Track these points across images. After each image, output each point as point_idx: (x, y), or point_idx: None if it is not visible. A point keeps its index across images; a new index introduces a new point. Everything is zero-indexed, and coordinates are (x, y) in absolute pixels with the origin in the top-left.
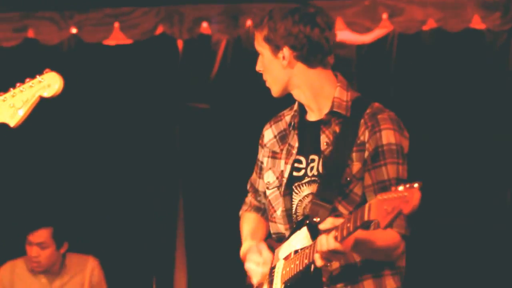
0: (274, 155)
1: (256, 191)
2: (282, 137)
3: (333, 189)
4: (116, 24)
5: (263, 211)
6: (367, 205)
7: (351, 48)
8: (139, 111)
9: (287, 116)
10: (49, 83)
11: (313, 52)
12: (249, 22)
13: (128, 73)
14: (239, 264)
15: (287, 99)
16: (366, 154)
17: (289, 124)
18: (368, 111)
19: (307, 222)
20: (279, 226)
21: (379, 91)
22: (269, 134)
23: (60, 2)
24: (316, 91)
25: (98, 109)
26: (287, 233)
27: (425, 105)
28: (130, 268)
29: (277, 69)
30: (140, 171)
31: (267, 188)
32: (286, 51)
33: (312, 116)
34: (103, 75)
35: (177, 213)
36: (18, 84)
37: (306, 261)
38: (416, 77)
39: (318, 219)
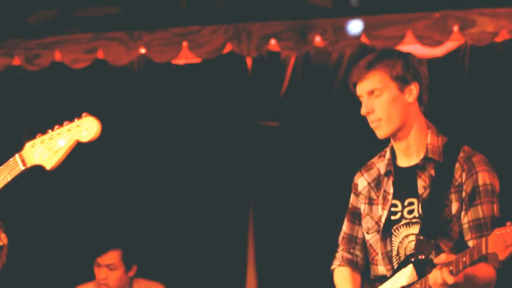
0: (370, 202)
1: (350, 243)
2: (377, 184)
3: (435, 228)
4: (185, 43)
5: (356, 265)
6: (483, 240)
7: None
8: (209, 130)
9: (378, 164)
10: (87, 128)
11: (427, 93)
12: (317, 39)
13: (197, 92)
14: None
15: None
16: (464, 194)
17: (386, 172)
18: (461, 155)
19: (413, 259)
20: (380, 268)
21: (452, 105)
22: (362, 182)
23: (128, 22)
24: (417, 134)
25: (168, 129)
26: (388, 274)
27: (499, 116)
28: None
29: (400, 106)
30: (211, 190)
31: (367, 233)
32: (414, 87)
33: (403, 162)
34: (172, 94)
35: (247, 233)
36: (56, 127)
37: None
38: (490, 90)
39: (424, 257)
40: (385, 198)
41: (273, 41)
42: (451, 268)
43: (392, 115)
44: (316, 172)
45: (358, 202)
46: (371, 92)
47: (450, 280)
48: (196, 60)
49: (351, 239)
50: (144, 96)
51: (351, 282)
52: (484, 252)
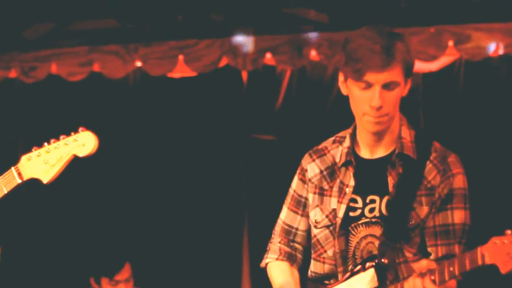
0: (321, 192)
1: (289, 235)
2: (330, 174)
3: (400, 231)
4: (181, 57)
5: (295, 260)
6: (478, 250)
7: (418, 77)
8: (205, 143)
9: (333, 150)
10: (84, 143)
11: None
12: (313, 53)
13: (193, 105)
14: None
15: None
16: (436, 197)
17: (345, 162)
18: (434, 155)
19: (375, 263)
20: (328, 267)
21: (447, 120)
22: (313, 168)
23: (124, 36)
24: (393, 127)
25: (164, 142)
26: (339, 274)
27: (493, 133)
28: None
29: (398, 101)
30: (206, 203)
31: (315, 226)
32: (409, 80)
33: (366, 153)
34: (168, 107)
35: (242, 245)
36: (52, 140)
37: None
38: (484, 105)
39: (387, 261)
40: (341, 191)
41: (268, 55)
42: (433, 277)
43: (396, 111)
44: None
45: (304, 190)
46: (387, 85)
47: None
48: (192, 74)
49: (291, 231)
50: (140, 109)
51: (292, 279)
52: (480, 263)
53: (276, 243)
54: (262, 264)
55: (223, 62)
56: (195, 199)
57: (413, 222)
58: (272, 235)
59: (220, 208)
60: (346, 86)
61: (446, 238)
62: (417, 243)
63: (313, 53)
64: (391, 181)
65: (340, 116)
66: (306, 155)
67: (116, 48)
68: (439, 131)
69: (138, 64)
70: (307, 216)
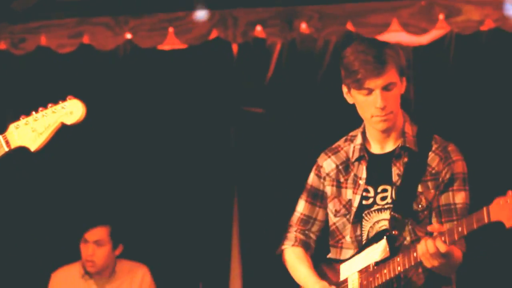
0: (339, 184)
1: (307, 224)
2: (345, 168)
3: (408, 212)
4: (171, 29)
5: (309, 247)
6: (484, 209)
7: (408, 50)
8: (194, 116)
9: (345, 147)
10: (72, 111)
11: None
12: (303, 25)
13: (183, 78)
14: None
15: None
16: (440, 180)
17: (358, 157)
18: (435, 145)
19: (387, 234)
20: (346, 252)
21: (437, 93)
22: (330, 164)
23: (114, 8)
24: (398, 124)
25: (153, 114)
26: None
27: (484, 106)
28: (181, 275)
29: (398, 99)
30: (195, 175)
31: (334, 216)
32: (404, 78)
33: (376, 149)
34: (158, 80)
35: (231, 217)
36: (40, 109)
37: (399, 268)
38: (474, 78)
39: (397, 232)
40: (356, 183)
41: (259, 28)
42: (443, 238)
43: (398, 108)
44: (301, 158)
45: (321, 184)
46: (386, 87)
47: (444, 248)
48: (182, 46)
49: (308, 221)
50: (130, 82)
51: (306, 262)
52: (486, 221)
53: (292, 232)
54: (278, 251)
55: (213, 34)
56: (184, 171)
57: (422, 205)
58: (289, 227)
59: (210, 180)
60: (351, 96)
61: (449, 216)
62: (426, 224)
63: (303, 26)
64: (395, 171)
65: (330, 89)
66: (322, 154)
67: (106, 20)
68: (428, 105)
69: (128, 36)
70: (325, 208)
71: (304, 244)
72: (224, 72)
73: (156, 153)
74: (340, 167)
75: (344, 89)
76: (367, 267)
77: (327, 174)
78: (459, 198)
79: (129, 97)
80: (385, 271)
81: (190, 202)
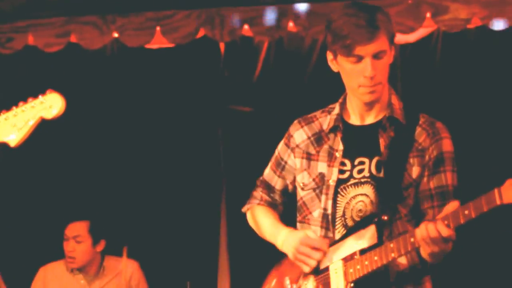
0: (308, 157)
1: (269, 188)
2: (317, 139)
3: (394, 190)
4: (158, 28)
5: (276, 207)
6: (495, 191)
7: (395, 48)
8: (182, 115)
9: (321, 118)
10: (51, 105)
11: None
12: (291, 24)
13: (170, 77)
14: None
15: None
16: (427, 158)
17: (332, 128)
18: (423, 120)
19: (377, 220)
20: (314, 228)
21: (424, 91)
22: (301, 135)
23: (101, 7)
24: (384, 95)
25: (141, 113)
26: (324, 234)
27: (470, 104)
28: (170, 271)
29: (387, 69)
30: (183, 174)
31: (302, 189)
32: (393, 47)
33: (356, 120)
34: (145, 79)
35: (219, 216)
36: (20, 103)
37: (393, 255)
38: (461, 76)
39: (387, 218)
40: (331, 155)
41: (246, 26)
42: (446, 222)
43: (386, 78)
44: None
45: (287, 154)
46: (376, 55)
47: (446, 232)
48: (169, 45)
49: (269, 187)
50: (118, 81)
51: (272, 216)
52: (498, 202)
53: (258, 191)
54: (244, 209)
55: (201, 33)
56: (173, 169)
57: (405, 182)
58: (256, 186)
59: (198, 178)
60: (337, 63)
61: (442, 199)
62: (409, 205)
63: (290, 24)
64: (382, 143)
65: (317, 88)
66: (295, 122)
67: (93, 19)
68: (416, 102)
69: (115, 35)
70: (284, 178)
71: (270, 204)
72: (211, 71)
73: (144, 151)
74: (312, 138)
75: (329, 56)
76: (353, 253)
77: (297, 146)
78: (450, 179)
79: (117, 96)
80: (375, 258)
81: (178, 201)
